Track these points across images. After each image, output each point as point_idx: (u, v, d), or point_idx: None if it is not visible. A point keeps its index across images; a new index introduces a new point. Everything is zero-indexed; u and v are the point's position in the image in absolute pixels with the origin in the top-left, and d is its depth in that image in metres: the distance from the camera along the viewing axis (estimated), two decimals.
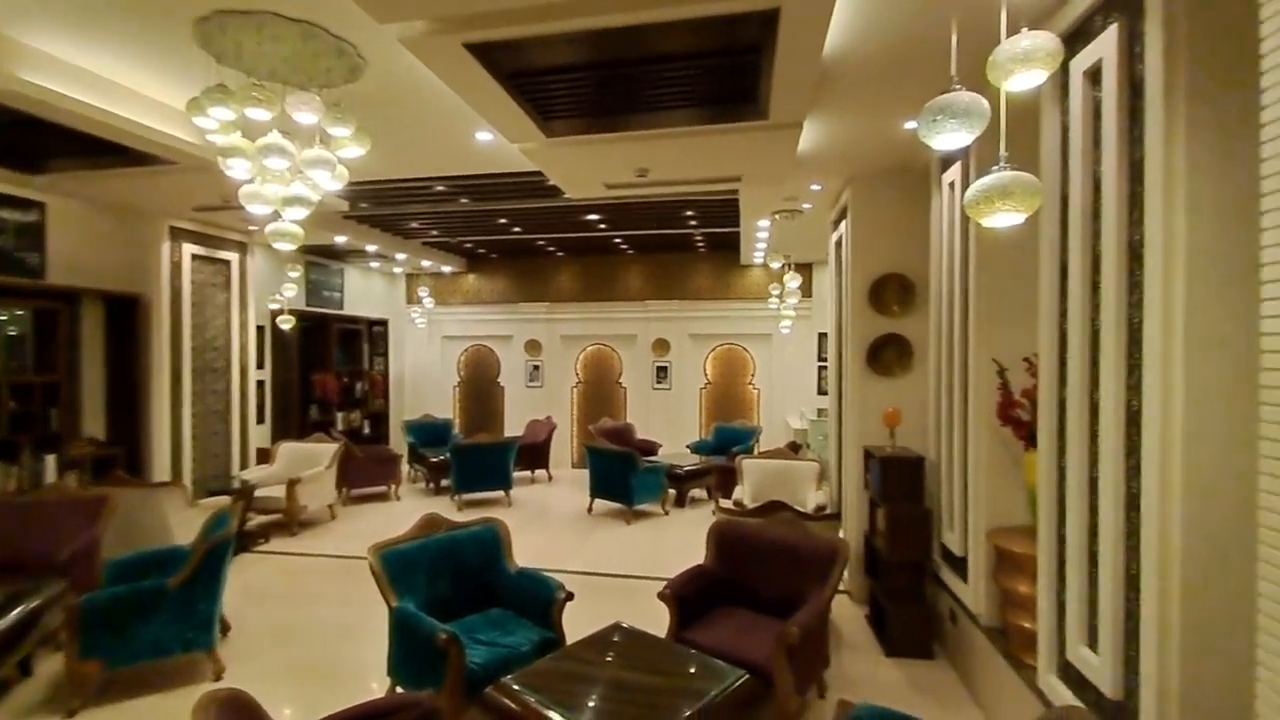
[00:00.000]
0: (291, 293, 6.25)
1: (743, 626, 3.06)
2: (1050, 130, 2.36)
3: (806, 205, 4.99)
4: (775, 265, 6.38)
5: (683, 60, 2.69)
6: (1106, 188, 2.00)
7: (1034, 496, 2.55)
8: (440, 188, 5.18)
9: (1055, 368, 2.34)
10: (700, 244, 8.42)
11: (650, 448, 7.63)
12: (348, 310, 8.65)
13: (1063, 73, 2.26)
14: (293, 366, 7.42)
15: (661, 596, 3.01)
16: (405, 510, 6.39)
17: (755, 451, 6.61)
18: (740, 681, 2.37)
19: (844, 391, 4.47)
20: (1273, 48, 1.22)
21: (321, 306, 8.11)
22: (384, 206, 5.82)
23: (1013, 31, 1.61)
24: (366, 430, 8.77)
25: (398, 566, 2.97)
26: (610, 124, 3.36)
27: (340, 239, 6.54)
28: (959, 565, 3.19)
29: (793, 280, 5.73)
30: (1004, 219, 1.54)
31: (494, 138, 3.67)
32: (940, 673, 3.26)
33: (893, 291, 4.06)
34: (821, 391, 8.09)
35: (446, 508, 6.32)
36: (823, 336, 8.02)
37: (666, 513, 6.49)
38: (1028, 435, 2.68)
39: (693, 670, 2.49)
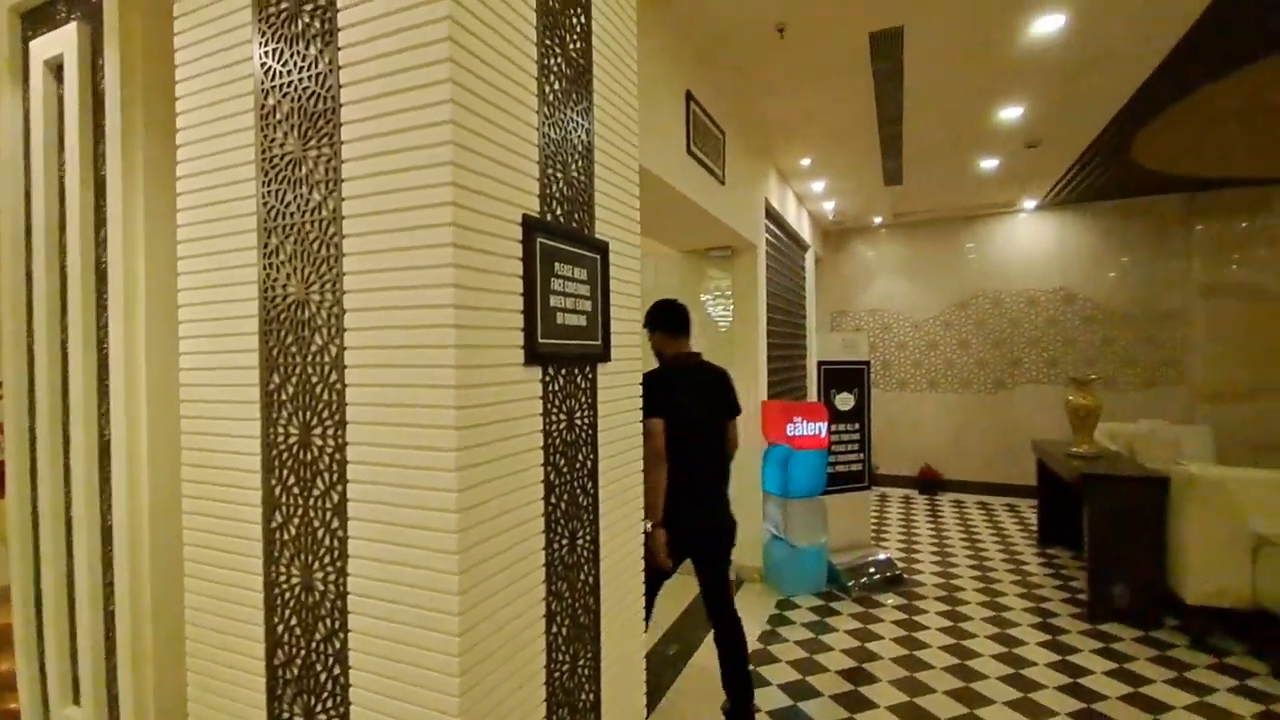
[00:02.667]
0: None
1: None
2: (11, 115, 1.97)
3: None
4: None
5: None
6: (71, 198, 1.83)
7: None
8: None
9: (25, 395, 1.98)
10: None
11: None
12: None
13: (25, 52, 1.93)
14: None
15: None
16: None
17: None
18: None
19: None
20: (185, 76, 1.37)
21: None
22: None
23: None
24: None
25: None
26: None
27: None
28: None
29: None
30: None
31: None
32: None
33: None
34: None
35: None
36: None
37: None
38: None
39: None
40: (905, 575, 4.49)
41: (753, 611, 3.98)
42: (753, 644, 3.50)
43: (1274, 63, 3.52)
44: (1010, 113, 4.15)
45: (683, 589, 4.35)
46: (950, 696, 2.93)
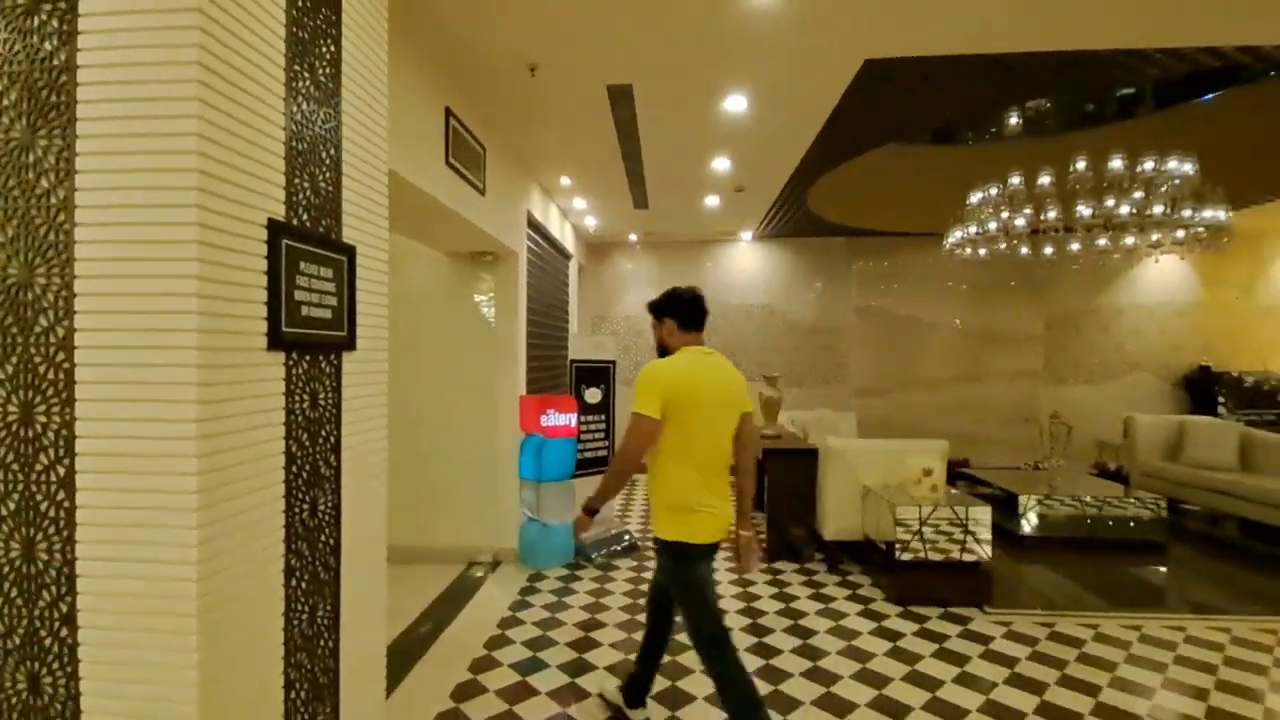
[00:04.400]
0: None
1: None
2: None
3: None
4: None
5: None
6: None
7: None
8: None
9: None
10: None
11: None
12: None
13: None
14: None
15: None
16: None
17: None
18: None
19: None
20: None
21: None
22: None
23: None
24: None
25: None
26: None
27: None
28: None
29: None
30: None
31: None
32: None
33: None
34: None
35: None
36: None
37: None
38: None
39: None
40: (640, 544, 5.26)
41: (506, 586, 4.35)
42: (503, 613, 3.87)
43: (890, 150, 5.00)
44: (721, 163, 5.18)
45: (439, 576, 4.54)
46: None
